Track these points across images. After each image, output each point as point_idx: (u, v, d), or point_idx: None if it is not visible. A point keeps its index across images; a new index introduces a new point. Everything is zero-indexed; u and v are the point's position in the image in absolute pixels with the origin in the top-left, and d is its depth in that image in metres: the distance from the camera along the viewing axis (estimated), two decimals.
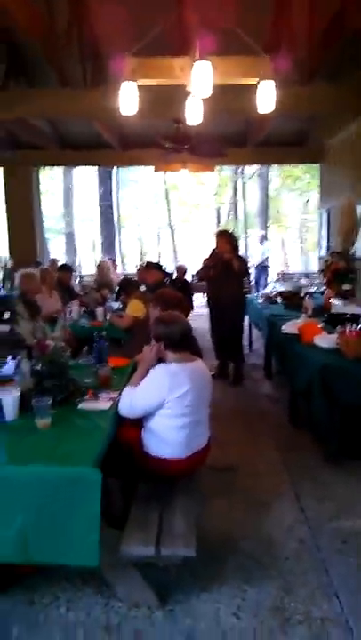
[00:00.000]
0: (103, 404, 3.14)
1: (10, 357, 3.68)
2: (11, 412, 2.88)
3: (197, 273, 6.74)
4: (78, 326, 5.93)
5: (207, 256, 6.50)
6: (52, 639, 2.47)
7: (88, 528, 2.28)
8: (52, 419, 2.80)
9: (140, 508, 2.74)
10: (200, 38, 3.45)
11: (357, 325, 4.41)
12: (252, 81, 3.90)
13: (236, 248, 6.46)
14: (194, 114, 4.51)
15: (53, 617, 2.60)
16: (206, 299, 6.84)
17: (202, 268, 6.52)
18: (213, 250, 6.40)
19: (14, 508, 2.33)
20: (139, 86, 4.02)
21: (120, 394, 3.12)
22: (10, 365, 3.61)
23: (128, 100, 3.81)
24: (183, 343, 3.10)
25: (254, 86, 3.97)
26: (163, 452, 2.98)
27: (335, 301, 5.59)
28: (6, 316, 4.76)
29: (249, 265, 7.91)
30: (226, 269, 6.18)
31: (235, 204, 23.05)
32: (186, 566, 2.82)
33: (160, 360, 3.12)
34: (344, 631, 2.48)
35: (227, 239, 6.36)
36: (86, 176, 21.00)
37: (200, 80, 3.41)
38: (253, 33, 4.35)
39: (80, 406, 3.10)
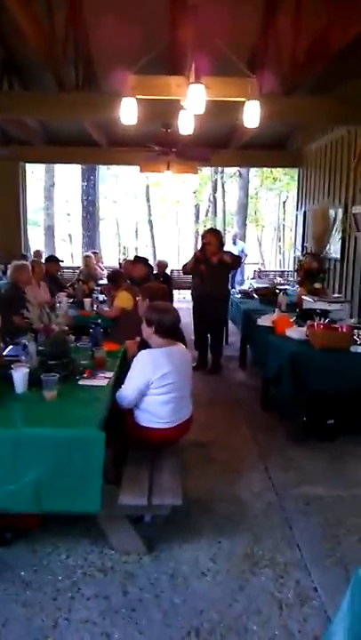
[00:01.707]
0: (100, 381, 3.58)
1: (4, 344, 4.13)
2: (21, 385, 3.30)
3: (185, 266, 7.12)
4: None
5: (199, 249, 6.94)
6: (55, 578, 2.90)
7: (93, 480, 2.74)
8: (57, 392, 3.24)
9: (132, 468, 3.21)
10: (196, 61, 3.89)
11: (325, 319, 4.93)
12: (241, 99, 4.35)
13: (222, 244, 6.95)
14: (186, 125, 4.94)
15: (55, 562, 3.04)
16: (192, 292, 7.19)
17: (192, 261, 6.87)
18: (204, 244, 6.83)
19: (29, 465, 2.75)
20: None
21: (114, 374, 3.57)
22: (10, 349, 4.07)
23: (128, 112, 4.25)
24: (171, 331, 3.56)
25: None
26: (153, 424, 3.45)
27: (306, 298, 6.09)
28: None
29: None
30: (215, 265, 6.61)
31: (214, 202, 23.51)
32: (169, 523, 3.32)
33: (145, 346, 3.59)
34: (303, 573, 2.97)
35: (215, 235, 6.87)
36: (68, 170, 21.23)
37: (194, 99, 3.86)
38: (241, 52, 4.80)
39: (80, 382, 3.54)
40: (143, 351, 3.52)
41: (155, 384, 3.37)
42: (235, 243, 14.56)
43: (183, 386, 3.55)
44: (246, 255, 14.98)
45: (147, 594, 2.78)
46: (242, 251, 14.41)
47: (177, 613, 2.63)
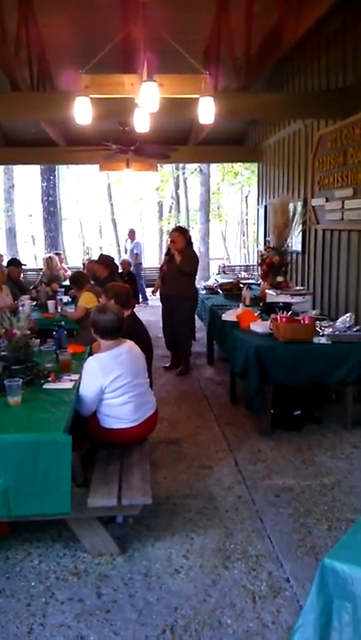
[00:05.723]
0: (66, 384, 3.55)
1: None
2: None
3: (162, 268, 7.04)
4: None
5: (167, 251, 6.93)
6: (28, 584, 2.88)
7: (61, 482, 2.73)
8: (21, 397, 3.21)
9: (101, 469, 3.20)
10: (148, 59, 3.88)
11: (288, 312, 4.99)
12: (195, 96, 4.37)
13: (189, 243, 6.87)
14: (142, 123, 4.92)
15: (28, 568, 3.01)
16: (159, 294, 7.09)
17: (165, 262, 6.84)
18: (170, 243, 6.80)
19: None
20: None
21: (79, 377, 3.55)
22: None
23: (82, 112, 4.21)
24: (111, 331, 3.53)
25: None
26: (118, 425, 3.45)
27: (270, 292, 6.15)
28: None
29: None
30: (176, 265, 6.59)
31: (177, 199, 23.51)
32: (141, 522, 3.34)
33: None
34: (275, 564, 3.00)
35: (181, 233, 6.77)
36: (27, 170, 20.96)
37: (148, 97, 3.85)
38: (195, 49, 4.80)
39: (45, 386, 3.50)
40: (90, 358, 3.55)
41: (108, 388, 3.38)
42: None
43: (139, 383, 3.56)
44: (137, 254, 12.81)
45: (121, 594, 2.78)
46: (132, 250, 12.94)
47: (152, 612, 2.64)
